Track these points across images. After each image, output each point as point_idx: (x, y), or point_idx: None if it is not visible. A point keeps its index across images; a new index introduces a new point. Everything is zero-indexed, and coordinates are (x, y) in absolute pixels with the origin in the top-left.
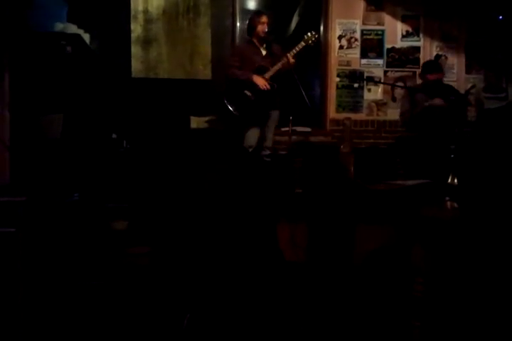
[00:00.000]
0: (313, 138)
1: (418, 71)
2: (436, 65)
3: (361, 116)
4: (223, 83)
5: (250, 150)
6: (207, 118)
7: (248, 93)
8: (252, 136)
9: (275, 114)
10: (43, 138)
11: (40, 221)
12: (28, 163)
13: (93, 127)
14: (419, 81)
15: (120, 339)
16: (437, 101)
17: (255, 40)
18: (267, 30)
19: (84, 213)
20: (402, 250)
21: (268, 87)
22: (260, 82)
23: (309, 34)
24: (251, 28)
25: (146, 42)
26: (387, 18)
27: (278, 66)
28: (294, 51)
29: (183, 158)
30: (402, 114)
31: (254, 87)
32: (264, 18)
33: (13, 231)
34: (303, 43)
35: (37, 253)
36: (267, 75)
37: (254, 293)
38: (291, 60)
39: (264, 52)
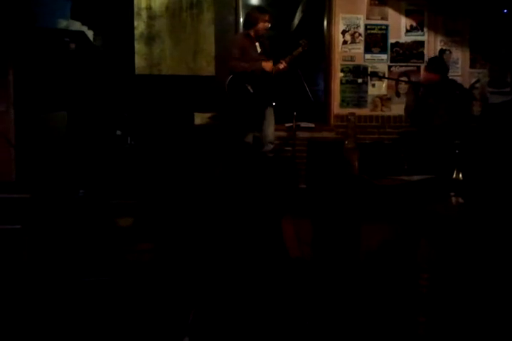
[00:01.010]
0: (317, 134)
1: (422, 66)
2: (439, 65)
3: (365, 111)
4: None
5: (251, 145)
6: (210, 115)
7: (249, 88)
8: (252, 132)
9: (271, 109)
10: (48, 136)
11: (45, 217)
12: (33, 161)
13: (97, 124)
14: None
15: (125, 335)
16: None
17: (252, 35)
18: (269, 26)
19: (89, 210)
20: (407, 246)
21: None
22: (268, 66)
23: (301, 42)
24: (251, 23)
25: (150, 38)
26: (391, 13)
27: (276, 69)
28: (291, 57)
29: (187, 155)
30: (406, 108)
31: (256, 81)
32: (267, 17)
33: (19, 227)
34: (300, 49)
35: (42, 250)
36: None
37: (258, 288)
38: (284, 67)
39: (259, 49)
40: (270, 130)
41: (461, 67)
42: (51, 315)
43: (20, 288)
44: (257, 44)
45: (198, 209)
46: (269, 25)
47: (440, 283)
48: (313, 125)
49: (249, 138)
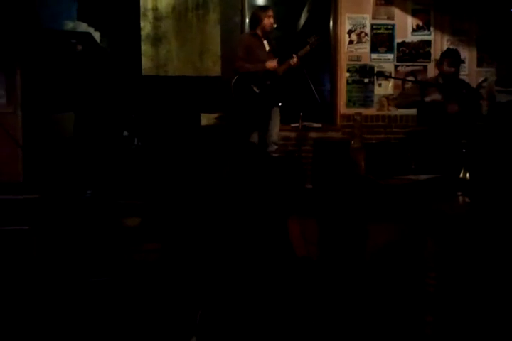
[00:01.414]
0: (323, 134)
1: (429, 65)
2: (453, 51)
3: (372, 111)
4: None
5: (256, 145)
6: (217, 115)
7: (255, 88)
8: (257, 132)
9: (277, 110)
10: (55, 137)
11: (53, 218)
12: (41, 162)
13: (104, 125)
14: (430, 75)
15: (133, 335)
16: (436, 96)
17: (260, 34)
18: (275, 25)
19: (96, 210)
20: (414, 245)
21: (277, 67)
22: (272, 65)
23: (313, 39)
24: (256, 22)
25: (156, 39)
26: (397, 12)
27: (286, 65)
28: (302, 53)
29: (193, 155)
30: (402, 102)
31: (261, 82)
32: (270, 12)
33: (27, 228)
34: (308, 47)
35: (50, 250)
36: (278, 65)
37: (265, 288)
38: (298, 62)
39: (267, 48)
40: (275, 131)
41: (468, 66)
42: (59, 314)
43: (28, 287)
44: (265, 42)
45: (205, 209)
46: (274, 23)
47: (447, 282)
48: (319, 125)
49: (255, 138)
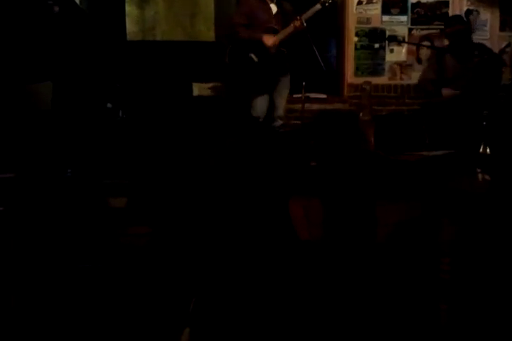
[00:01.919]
0: (329, 106)
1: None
2: (457, 17)
3: (383, 80)
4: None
5: (260, 120)
6: (211, 85)
7: (253, 56)
8: (260, 105)
9: (285, 80)
10: (31, 109)
11: (30, 199)
12: (15, 137)
13: (86, 96)
14: (446, 41)
15: (121, 325)
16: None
17: None
18: None
19: (78, 190)
20: (428, 227)
21: (277, 43)
22: (270, 41)
23: None
24: None
25: (142, 0)
26: None
27: (289, 29)
28: (309, 14)
29: (185, 129)
30: (421, 81)
31: (261, 49)
32: None
33: (2, 209)
34: (319, 6)
35: (28, 234)
36: (277, 38)
37: (264, 274)
38: (303, 24)
39: (274, 10)
40: (281, 104)
41: (489, 29)
42: (39, 302)
43: (4, 273)
44: (271, 5)
45: (199, 190)
46: None
47: (463, 268)
48: (324, 96)
49: (257, 112)
